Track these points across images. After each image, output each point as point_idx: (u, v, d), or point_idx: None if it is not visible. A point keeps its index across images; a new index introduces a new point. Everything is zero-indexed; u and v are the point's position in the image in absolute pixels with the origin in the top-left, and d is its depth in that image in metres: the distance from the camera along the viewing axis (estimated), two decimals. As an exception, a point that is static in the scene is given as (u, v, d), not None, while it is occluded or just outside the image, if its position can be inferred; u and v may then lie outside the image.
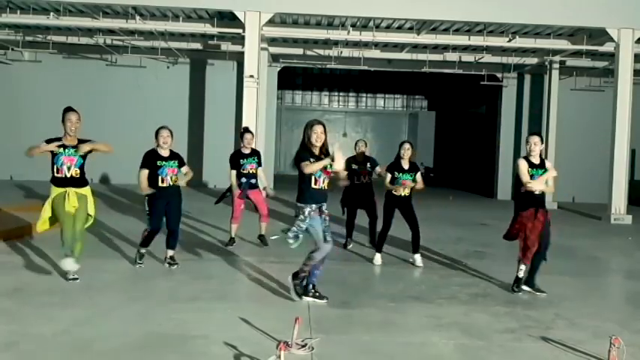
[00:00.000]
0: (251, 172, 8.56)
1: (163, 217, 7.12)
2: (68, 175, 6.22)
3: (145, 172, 6.98)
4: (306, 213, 5.73)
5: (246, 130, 8.87)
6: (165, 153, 7.08)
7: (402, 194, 7.71)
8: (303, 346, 4.45)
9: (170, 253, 7.25)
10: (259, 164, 8.67)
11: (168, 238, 7.23)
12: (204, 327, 5.01)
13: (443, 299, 6.26)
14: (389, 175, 7.73)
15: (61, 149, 6.21)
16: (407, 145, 7.76)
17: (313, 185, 5.78)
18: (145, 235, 7.16)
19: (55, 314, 5.20)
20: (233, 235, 8.67)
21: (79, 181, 6.31)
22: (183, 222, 10.25)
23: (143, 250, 7.23)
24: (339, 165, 5.60)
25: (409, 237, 8.01)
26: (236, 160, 8.60)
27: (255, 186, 8.60)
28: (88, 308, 5.43)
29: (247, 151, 8.63)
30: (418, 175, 7.74)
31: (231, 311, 5.41)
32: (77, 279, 6.28)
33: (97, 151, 6.38)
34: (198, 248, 8.38)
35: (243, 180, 8.51)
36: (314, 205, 5.76)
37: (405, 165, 7.71)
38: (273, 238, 8.92)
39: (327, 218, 5.88)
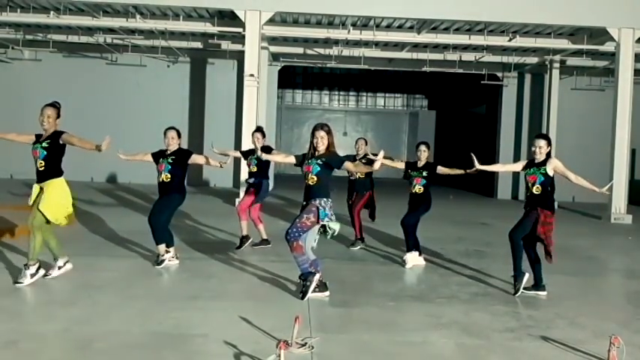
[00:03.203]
0: (251, 169, 8.56)
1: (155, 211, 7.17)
2: (37, 168, 6.20)
3: (147, 156, 7.21)
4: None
5: (257, 129, 8.77)
6: (169, 152, 7.16)
7: (414, 191, 7.78)
8: (303, 345, 4.44)
9: (158, 249, 7.15)
10: (259, 162, 8.46)
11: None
12: (203, 326, 5.01)
13: (443, 298, 6.26)
14: (400, 163, 8.00)
15: (33, 143, 6.22)
16: (423, 148, 7.91)
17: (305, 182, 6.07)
18: None
19: (55, 313, 5.20)
20: (264, 237, 8.61)
21: (44, 174, 6.17)
22: (184, 220, 10.27)
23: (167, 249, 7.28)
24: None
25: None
26: (245, 155, 8.74)
27: (253, 185, 8.54)
28: (87, 307, 5.43)
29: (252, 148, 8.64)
30: (441, 169, 7.79)
31: (230, 310, 5.41)
32: (22, 283, 6.00)
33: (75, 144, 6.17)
34: (198, 247, 8.38)
35: (251, 181, 8.58)
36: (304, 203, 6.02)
37: (420, 164, 7.84)
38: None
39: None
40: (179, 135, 7.24)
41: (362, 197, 9.03)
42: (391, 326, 5.24)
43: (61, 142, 6.17)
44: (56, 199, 6.16)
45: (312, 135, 6.04)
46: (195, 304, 5.64)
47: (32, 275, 6.07)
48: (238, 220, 8.57)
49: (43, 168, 6.17)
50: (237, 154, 8.85)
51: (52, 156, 6.19)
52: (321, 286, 5.99)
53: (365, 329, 5.13)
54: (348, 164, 6.25)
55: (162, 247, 7.14)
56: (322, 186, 5.96)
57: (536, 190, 6.44)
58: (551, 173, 6.46)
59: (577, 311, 5.93)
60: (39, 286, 6.05)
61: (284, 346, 4.11)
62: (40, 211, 6.06)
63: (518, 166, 6.83)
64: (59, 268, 6.35)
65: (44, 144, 6.17)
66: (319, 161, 5.97)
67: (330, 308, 5.70)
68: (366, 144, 9.04)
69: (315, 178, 5.94)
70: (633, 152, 17.78)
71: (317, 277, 5.94)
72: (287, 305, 5.63)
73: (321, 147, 6.00)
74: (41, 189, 6.21)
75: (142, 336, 4.69)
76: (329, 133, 6.03)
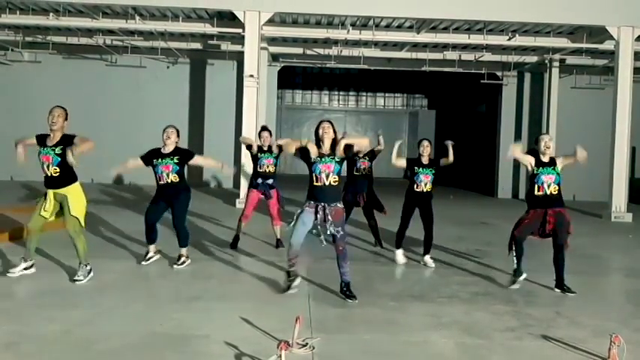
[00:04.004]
0: (267, 170, 8.44)
1: (158, 212, 7.20)
2: (49, 174, 6.22)
3: (138, 160, 7.10)
4: (299, 211, 5.95)
5: (264, 128, 8.79)
6: (166, 150, 7.11)
7: (424, 190, 7.77)
8: (304, 346, 4.45)
9: (180, 251, 7.31)
10: (277, 160, 8.51)
11: (177, 236, 7.34)
12: (205, 327, 5.02)
13: (443, 298, 6.27)
14: (403, 160, 7.91)
15: (42, 147, 6.23)
16: (425, 143, 7.90)
17: (315, 182, 5.89)
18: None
19: (56, 314, 5.20)
20: (238, 233, 8.56)
21: (59, 180, 6.24)
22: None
23: (147, 248, 7.36)
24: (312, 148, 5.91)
25: (413, 235, 8.03)
26: (254, 154, 8.53)
27: (272, 187, 8.49)
28: (88, 308, 5.44)
29: (266, 148, 8.52)
30: (442, 160, 7.82)
31: (231, 311, 5.42)
32: (81, 280, 6.30)
33: (81, 150, 6.22)
34: (199, 248, 8.38)
35: (259, 181, 8.47)
36: (311, 202, 5.91)
37: (425, 161, 7.83)
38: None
39: (330, 219, 5.85)
40: (178, 134, 7.23)
41: (374, 200, 8.97)
42: (392, 326, 5.25)
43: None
44: (82, 204, 6.35)
45: (319, 125, 6.01)
46: (196, 305, 5.64)
47: (88, 273, 6.36)
48: (273, 226, 8.60)
49: (58, 174, 6.22)
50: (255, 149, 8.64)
51: (64, 162, 6.24)
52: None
53: (366, 329, 5.13)
54: (355, 146, 6.08)
55: (184, 250, 7.30)
56: (340, 185, 6.01)
57: (554, 189, 6.52)
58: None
59: (577, 310, 5.94)
60: (39, 288, 6.07)
61: (285, 346, 4.12)
62: (75, 217, 6.24)
63: (529, 158, 6.64)
64: (24, 268, 6.40)
65: (57, 150, 6.20)
66: (337, 159, 5.90)
67: (331, 308, 5.70)
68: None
69: (337, 179, 5.91)
70: (633, 150, 17.78)
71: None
72: (288, 306, 5.64)
73: (327, 139, 5.93)
74: (55, 195, 6.26)
75: (143, 337, 4.69)
76: (332, 125, 6.03)
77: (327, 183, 5.86)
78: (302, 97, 29.15)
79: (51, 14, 14.77)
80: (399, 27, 16.39)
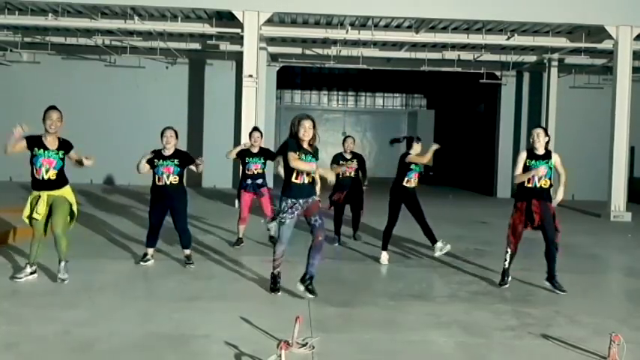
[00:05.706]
0: (255, 172, 8.55)
1: (161, 214, 7.23)
2: (45, 177, 6.18)
3: (145, 159, 7.05)
4: (283, 206, 5.89)
5: (255, 129, 8.88)
6: (167, 153, 7.14)
7: (412, 185, 7.82)
8: (304, 345, 4.45)
9: (185, 252, 7.35)
10: (265, 164, 8.66)
11: (179, 238, 7.38)
12: (204, 327, 5.02)
13: (443, 297, 6.27)
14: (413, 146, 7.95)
15: (41, 150, 6.18)
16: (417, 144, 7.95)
17: (294, 179, 5.89)
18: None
19: (56, 315, 5.20)
20: (240, 236, 8.67)
21: (55, 183, 6.23)
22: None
23: (146, 250, 7.38)
24: (331, 177, 6.08)
25: (409, 234, 8.02)
26: (242, 157, 8.64)
27: (262, 185, 8.60)
28: (88, 309, 5.43)
29: (255, 150, 8.61)
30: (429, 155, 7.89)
31: (231, 311, 5.42)
32: (66, 279, 6.27)
33: (79, 162, 6.33)
34: (199, 248, 8.37)
35: (249, 182, 8.55)
36: (289, 201, 5.88)
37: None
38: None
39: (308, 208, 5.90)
40: (176, 135, 7.26)
41: (359, 196, 9.21)
42: (391, 325, 5.25)
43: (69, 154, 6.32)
44: (74, 203, 6.38)
45: (298, 124, 5.83)
46: (196, 305, 5.65)
47: (67, 270, 6.34)
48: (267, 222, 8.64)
49: (55, 177, 6.21)
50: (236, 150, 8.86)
51: (63, 167, 6.29)
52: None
53: (365, 329, 5.13)
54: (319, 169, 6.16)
55: (188, 251, 7.35)
56: (314, 181, 6.04)
57: (544, 183, 6.55)
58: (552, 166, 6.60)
59: (577, 309, 5.94)
60: (39, 289, 6.06)
61: (285, 346, 4.12)
62: (64, 217, 6.25)
63: (522, 161, 6.68)
64: (30, 273, 6.38)
65: (60, 154, 6.23)
66: (314, 159, 5.94)
67: (331, 308, 5.70)
68: (354, 142, 9.23)
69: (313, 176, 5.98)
70: (632, 150, 17.80)
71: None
72: (287, 305, 5.64)
73: (306, 137, 5.85)
74: (49, 197, 6.22)
75: (143, 337, 4.69)
76: (315, 124, 5.94)
77: (305, 182, 5.90)
78: (301, 97, 29.13)
79: (50, 15, 14.76)
80: (398, 27, 16.39)
